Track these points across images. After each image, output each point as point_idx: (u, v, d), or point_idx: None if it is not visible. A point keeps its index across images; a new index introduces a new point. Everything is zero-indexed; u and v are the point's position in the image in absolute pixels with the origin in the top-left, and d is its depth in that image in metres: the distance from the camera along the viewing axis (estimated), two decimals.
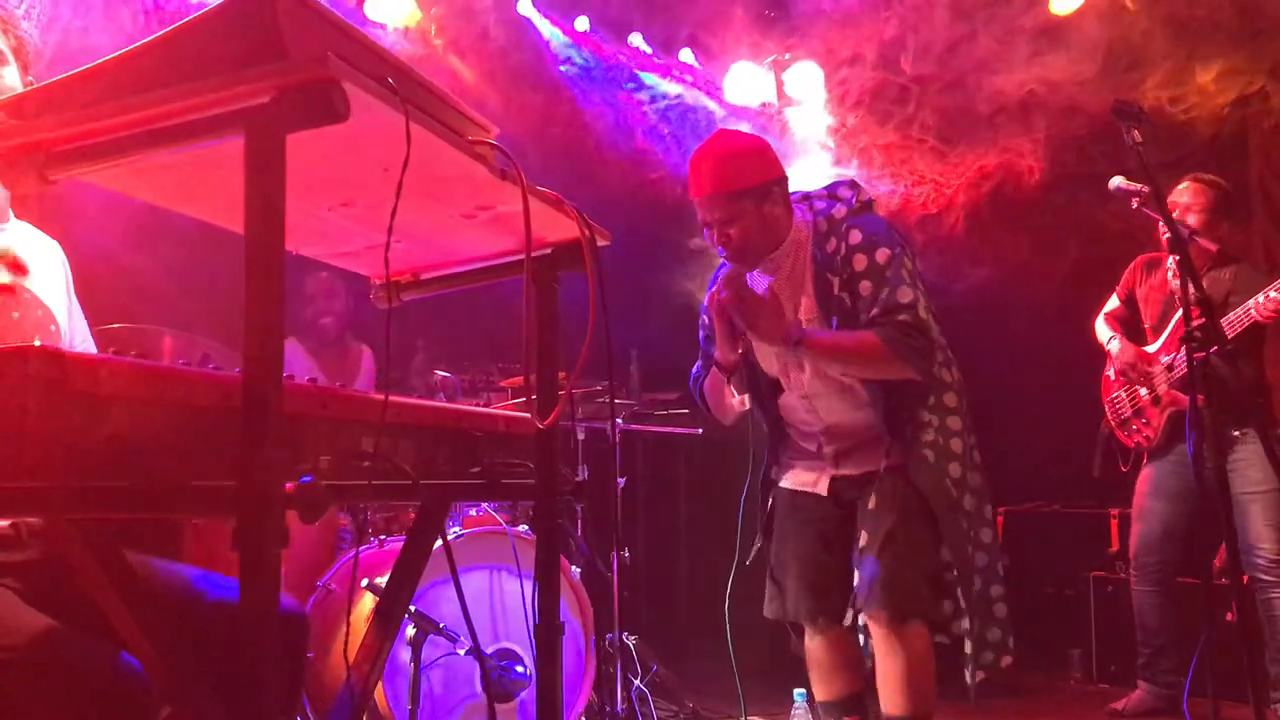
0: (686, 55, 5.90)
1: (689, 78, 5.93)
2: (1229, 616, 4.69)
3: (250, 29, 1.25)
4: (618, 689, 4.16)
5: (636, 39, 5.74)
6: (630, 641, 4.27)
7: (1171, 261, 4.37)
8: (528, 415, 2.01)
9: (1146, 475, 4.51)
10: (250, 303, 1.23)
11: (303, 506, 1.22)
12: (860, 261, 2.88)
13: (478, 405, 3.59)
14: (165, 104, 1.23)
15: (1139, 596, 4.56)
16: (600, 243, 2.05)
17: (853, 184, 3.10)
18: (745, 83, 6.03)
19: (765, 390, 3.16)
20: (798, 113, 5.88)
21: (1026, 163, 5.68)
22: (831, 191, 3.09)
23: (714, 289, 2.94)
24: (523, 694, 3.50)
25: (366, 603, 3.46)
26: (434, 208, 1.75)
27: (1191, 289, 2.55)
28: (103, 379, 1.15)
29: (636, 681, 4.17)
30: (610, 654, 4.09)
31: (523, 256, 2.04)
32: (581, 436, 4.65)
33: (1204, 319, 2.47)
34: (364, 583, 3.33)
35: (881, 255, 2.88)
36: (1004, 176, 5.63)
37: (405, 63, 1.51)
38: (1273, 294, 3.98)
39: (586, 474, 4.70)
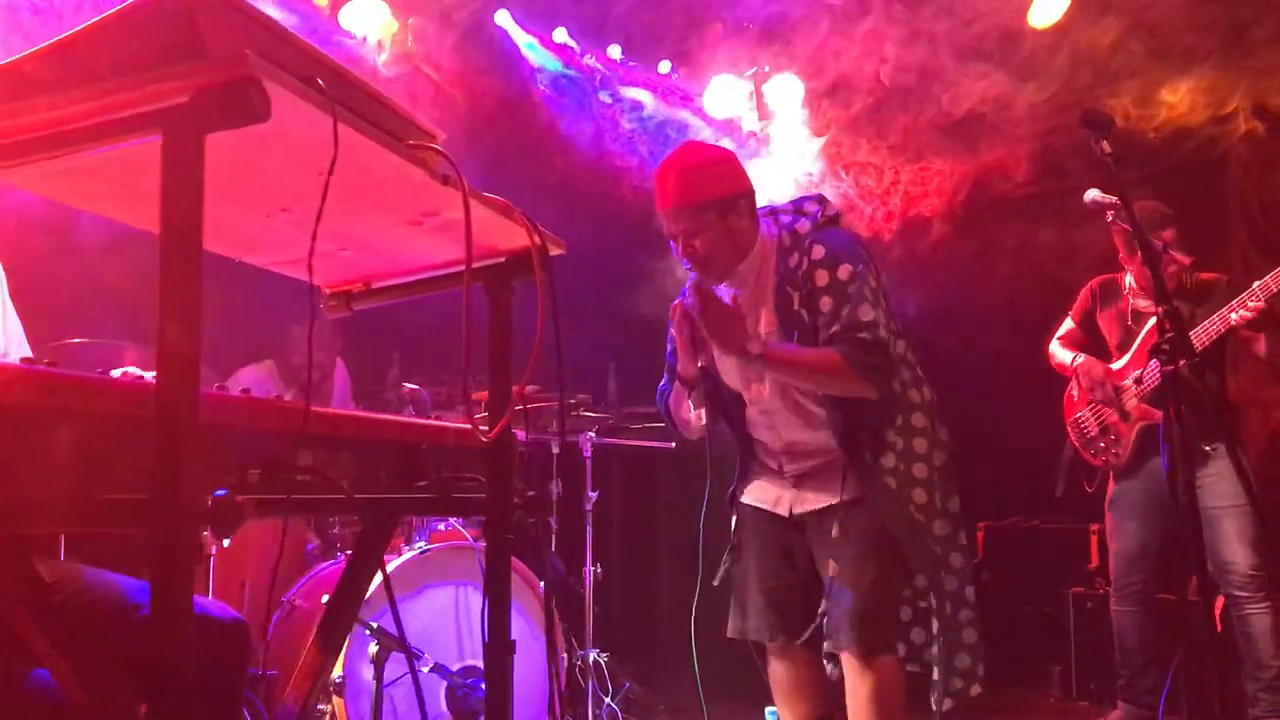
0: (665, 67, 5.87)
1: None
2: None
3: (167, 26, 1.21)
4: (589, 706, 4.12)
5: (615, 51, 5.71)
6: (602, 659, 4.22)
7: (1130, 279, 4.35)
8: (478, 428, 1.97)
9: (1115, 496, 4.45)
10: (165, 307, 1.19)
11: (216, 521, 1.17)
12: (822, 277, 2.83)
13: (448, 418, 3.55)
14: (76, 104, 1.19)
15: (1119, 616, 4.50)
16: (554, 251, 2.01)
17: (820, 198, 3.06)
18: (725, 95, 6.01)
19: (732, 406, 3.11)
20: (776, 125, 5.85)
21: (1007, 178, 5.67)
22: (798, 206, 3.05)
23: (677, 300, 2.90)
24: None
25: None
26: (378, 214, 1.71)
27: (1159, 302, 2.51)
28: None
29: (607, 699, 4.11)
30: (581, 671, 4.05)
31: (480, 265, 2.04)
32: (556, 451, 4.61)
33: (1174, 331, 2.44)
34: (324, 599, 3.26)
35: (844, 271, 2.82)
36: (984, 192, 5.61)
37: (340, 65, 1.47)
38: (1251, 303, 3.94)
39: (560, 489, 4.66)
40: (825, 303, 2.82)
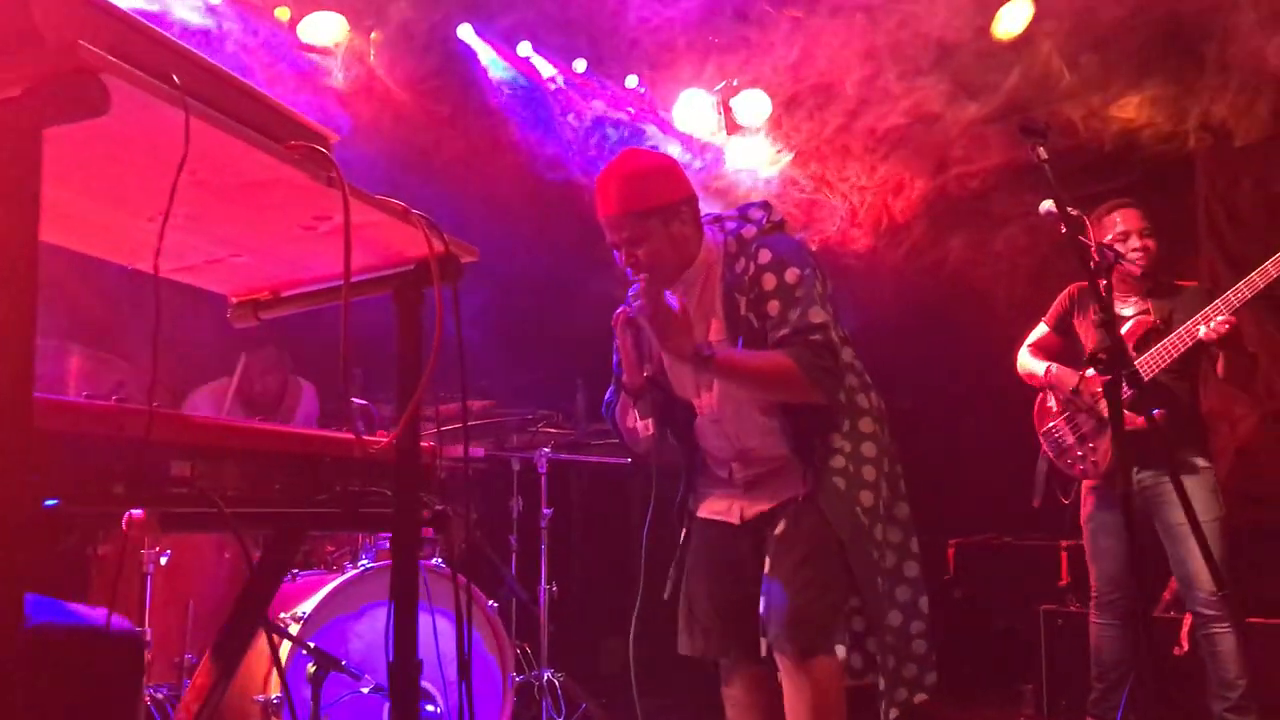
0: (632, 82, 5.84)
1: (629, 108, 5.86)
2: (1176, 650, 4.59)
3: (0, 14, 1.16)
4: None
5: (580, 65, 5.67)
6: (557, 679, 4.14)
7: (1105, 285, 4.30)
8: (362, 439, 1.91)
9: (1091, 514, 4.37)
10: None
11: (46, 534, 1.11)
12: (769, 281, 2.80)
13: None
14: None
15: (1098, 629, 4.42)
16: (466, 259, 1.96)
17: (765, 205, 3.03)
18: (693, 110, 5.97)
19: (680, 415, 3.06)
20: (743, 138, 5.82)
21: (976, 190, 5.64)
22: (743, 212, 3.02)
23: (621, 309, 2.86)
24: None
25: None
26: (264, 218, 1.65)
27: (1102, 312, 2.46)
28: None
29: (560, 719, 4.04)
30: (534, 692, 3.98)
31: (388, 272, 1.99)
32: (516, 468, 4.55)
33: (1111, 341, 2.39)
34: None
35: (791, 275, 2.80)
36: (953, 205, 5.58)
37: (209, 61, 1.42)
38: (1219, 317, 3.90)
39: (521, 506, 4.60)
40: (773, 306, 2.79)
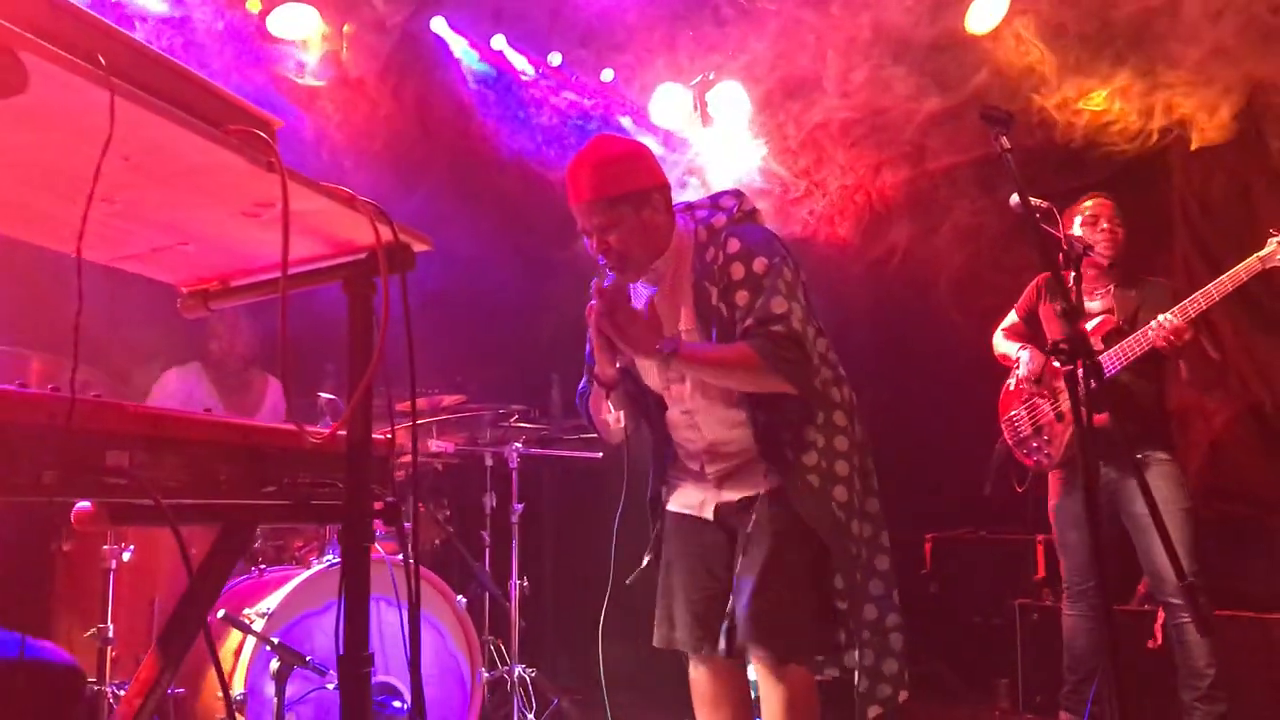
0: (608, 75, 5.81)
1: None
2: (1150, 643, 4.60)
3: None
4: None
5: (555, 59, 5.65)
6: (529, 674, 4.12)
7: (1073, 276, 4.30)
8: (305, 429, 1.89)
9: (1058, 505, 4.39)
10: None
11: None
12: (738, 270, 2.79)
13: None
14: None
15: (1070, 621, 4.43)
16: (418, 248, 1.93)
17: (737, 193, 3.01)
18: (669, 104, 5.95)
19: (652, 407, 3.05)
20: (718, 131, 5.80)
21: (950, 185, 5.63)
22: (714, 201, 3.00)
23: (592, 302, 2.83)
24: None
25: (235, 636, 3.31)
26: (206, 204, 1.62)
27: (1064, 302, 2.45)
28: None
29: (530, 716, 4.02)
30: (506, 688, 3.95)
31: (338, 261, 1.96)
32: (489, 463, 4.53)
33: (1072, 332, 2.38)
34: (220, 614, 3.17)
35: (759, 264, 2.78)
36: (928, 197, 5.57)
37: (142, 43, 1.39)
38: (1164, 319, 3.91)
39: (495, 501, 4.57)
40: (741, 296, 2.77)
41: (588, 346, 3.04)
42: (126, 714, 1.65)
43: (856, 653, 2.86)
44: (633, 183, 2.82)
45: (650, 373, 3.00)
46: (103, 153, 1.24)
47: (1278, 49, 4.31)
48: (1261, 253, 3.90)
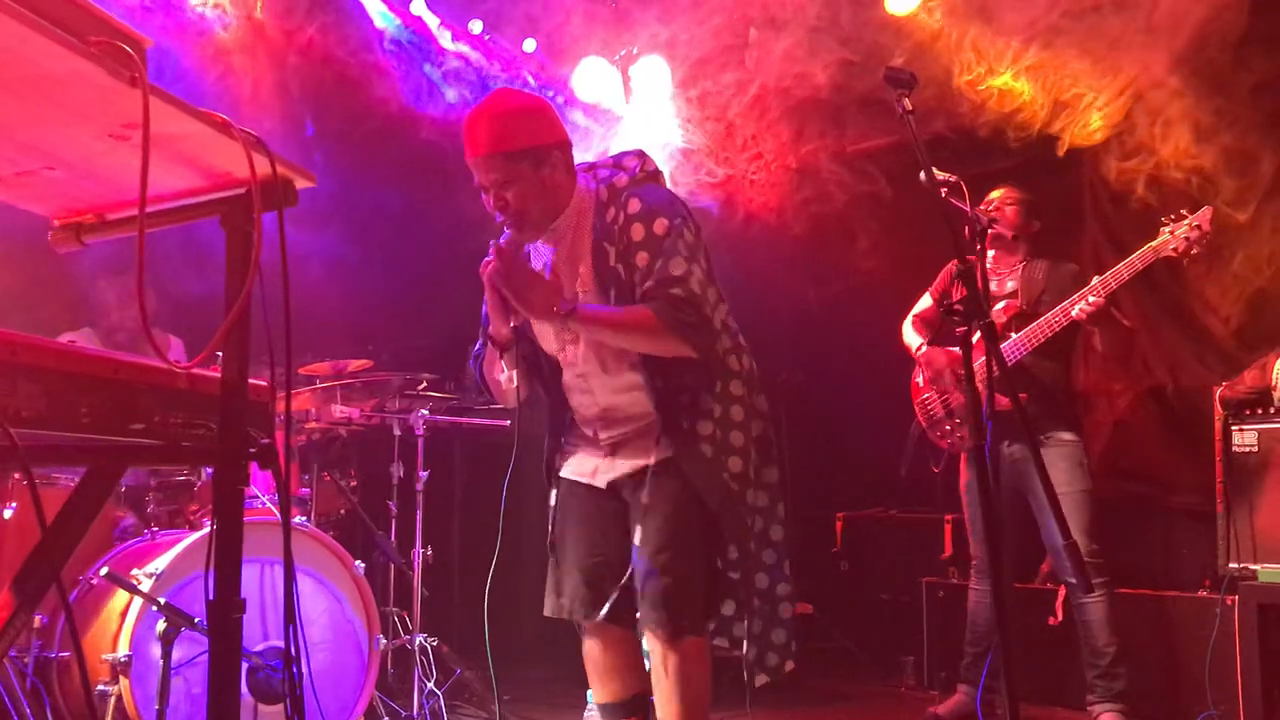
0: (530, 46, 5.75)
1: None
2: (1051, 620, 4.68)
3: None
4: (414, 692, 3.97)
5: (476, 26, 5.57)
6: (430, 644, 4.07)
7: (989, 263, 4.36)
8: (213, 374, 1.83)
9: (968, 485, 4.46)
10: None
11: None
12: (638, 231, 2.74)
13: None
14: None
15: (974, 596, 4.51)
16: (301, 184, 1.87)
17: (640, 154, 2.97)
18: (593, 78, 5.90)
19: (548, 371, 3.00)
20: (641, 106, 5.77)
21: (866, 165, 5.67)
22: (617, 161, 2.96)
23: (487, 259, 2.78)
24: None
25: (122, 597, 3.22)
26: (68, 120, 1.55)
27: (962, 263, 2.46)
28: None
29: (430, 684, 3.97)
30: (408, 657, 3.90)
31: (216, 196, 1.90)
32: (398, 433, 4.46)
33: (969, 291, 2.38)
34: (103, 571, 3.08)
35: (659, 226, 2.73)
36: (843, 178, 5.59)
37: None
38: (1091, 299, 3.99)
39: (402, 472, 4.50)
40: (641, 258, 2.73)
41: (483, 306, 2.99)
42: None
43: (746, 622, 2.86)
44: (532, 138, 2.75)
45: (546, 335, 2.95)
46: None
47: (1174, 42, 4.38)
48: (1154, 242, 4.01)
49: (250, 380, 1.84)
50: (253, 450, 1.81)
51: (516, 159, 2.72)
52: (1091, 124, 4.66)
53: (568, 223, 2.85)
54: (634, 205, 2.77)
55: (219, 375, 1.81)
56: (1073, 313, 4.04)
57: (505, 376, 2.87)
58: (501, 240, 2.74)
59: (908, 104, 2.50)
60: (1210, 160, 4.48)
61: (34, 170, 1.70)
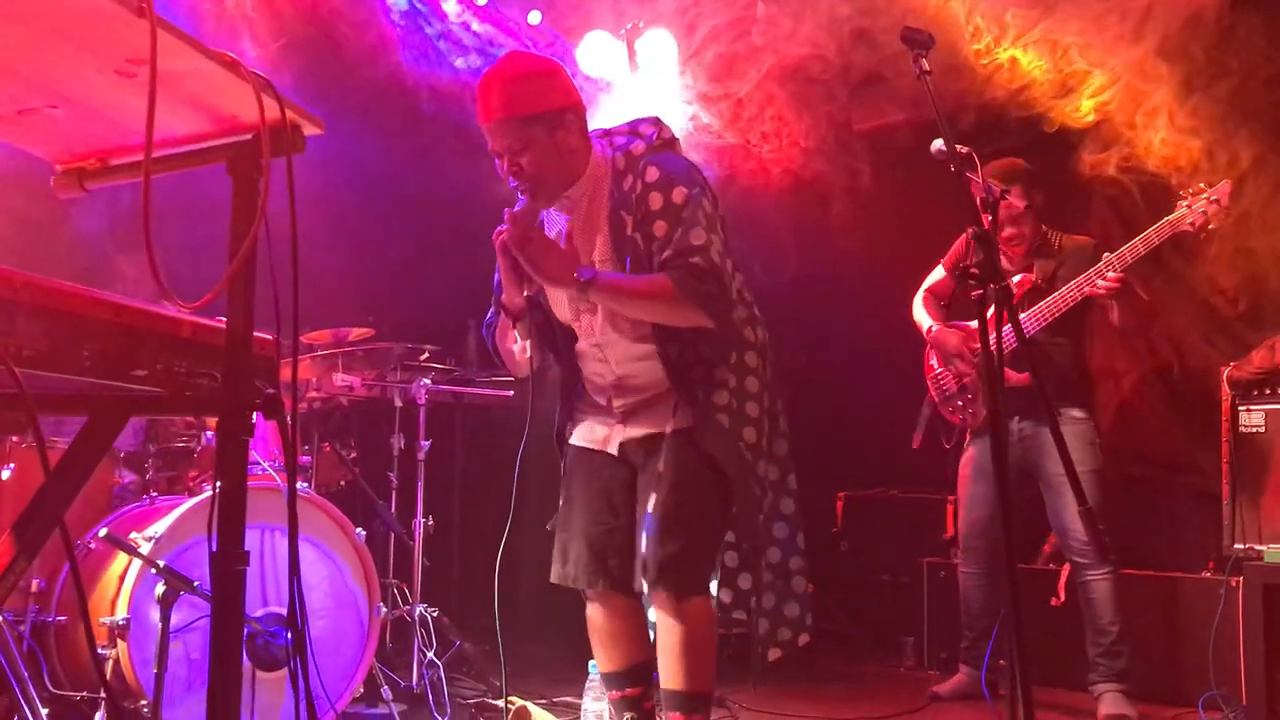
0: (535, 18, 5.70)
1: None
2: (1054, 601, 4.66)
3: None
4: (414, 663, 3.94)
5: None
6: (430, 614, 4.04)
7: (990, 220, 4.31)
8: (218, 324, 1.79)
9: (969, 457, 4.46)
10: None
11: None
12: (656, 200, 2.71)
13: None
14: None
15: (965, 579, 4.52)
16: (309, 131, 1.84)
17: (656, 121, 2.92)
18: (598, 52, 5.85)
19: (561, 339, 2.96)
20: (647, 80, 5.72)
21: (879, 141, 5.63)
22: (633, 127, 2.91)
23: (501, 227, 2.74)
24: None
25: (121, 561, 3.19)
26: (71, 53, 1.50)
27: (978, 228, 2.42)
28: None
29: (430, 654, 3.94)
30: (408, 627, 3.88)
31: (223, 141, 1.85)
32: (399, 404, 4.42)
33: (984, 255, 2.35)
34: (102, 533, 3.05)
35: (678, 195, 2.70)
36: (854, 156, 5.55)
37: None
38: (1110, 274, 3.96)
39: (403, 443, 4.47)
40: (659, 227, 2.70)
41: (496, 275, 2.95)
42: None
43: (757, 597, 2.84)
44: (546, 102, 2.71)
45: (560, 303, 2.92)
46: None
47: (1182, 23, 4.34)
48: (1172, 216, 3.98)
49: (255, 334, 1.81)
50: (258, 401, 1.78)
51: (530, 124, 2.68)
52: (1093, 102, 4.62)
53: (583, 190, 2.81)
54: (652, 173, 2.73)
55: (224, 326, 1.77)
56: (1087, 289, 4.01)
57: (519, 346, 2.83)
58: (516, 208, 2.70)
59: (925, 64, 2.45)
60: (1214, 138, 4.44)
61: (36, 108, 1.66)
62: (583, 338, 2.91)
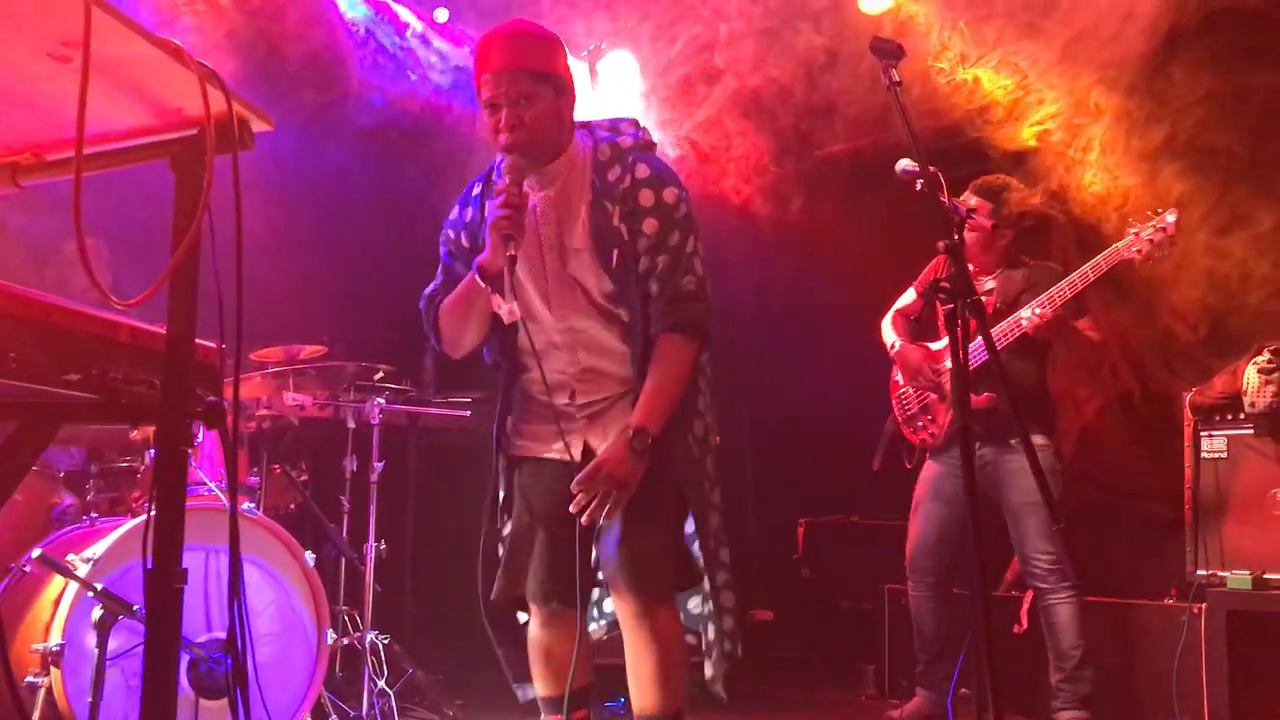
0: (442, 15, 5.64)
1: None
2: (1016, 628, 4.61)
3: None
4: (364, 692, 3.82)
5: (442, 15, 5.46)
6: (381, 641, 3.92)
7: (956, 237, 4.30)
8: (158, 329, 1.70)
9: (925, 476, 4.42)
10: None
11: None
12: (647, 196, 2.71)
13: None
14: None
15: (916, 602, 4.47)
16: (258, 127, 1.75)
17: (635, 122, 2.92)
18: None
19: (506, 329, 2.83)
20: (609, 101, 5.68)
21: (837, 164, 5.61)
22: (614, 124, 2.89)
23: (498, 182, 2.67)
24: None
25: (56, 584, 3.05)
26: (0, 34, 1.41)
27: (948, 239, 2.38)
28: None
29: (381, 683, 3.82)
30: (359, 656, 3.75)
31: (166, 137, 1.76)
32: (352, 425, 4.31)
33: (956, 270, 2.31)
34: (37, 554, 2.91)
35: (669, 195, 2.73)
36: (812, 178, 5.54)
37: None
38: (1038, 310, 3.95)
39: (355, 466, 4.36)
40: (649, 224, 2.70)
41: (444, 248, 2.91)
42: None
43: (713, 603, 2.77)
44: (559, 66, 2.73)
45: (527, 285, 2.81)
46: None
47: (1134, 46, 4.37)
48: (1119, 244, 3.98)
49: (199, 341, 1.72)
50: (199, 409, 1.68)
51: (543, 79, 2.65)
52: (1047, 125, 4.63)
53: (561, 169, 2.77)
54: (642, 170, 2.74)
55: (164, 332, 1.68)
56: (1023, 324, 4.00)
57: (507, 308, 2.67)
58: (499, 163, 2.69)
59: (895, 75, 2.41)
60: (1175, 164, 4.46)
61: None
62: (545, 327, 2.80)
